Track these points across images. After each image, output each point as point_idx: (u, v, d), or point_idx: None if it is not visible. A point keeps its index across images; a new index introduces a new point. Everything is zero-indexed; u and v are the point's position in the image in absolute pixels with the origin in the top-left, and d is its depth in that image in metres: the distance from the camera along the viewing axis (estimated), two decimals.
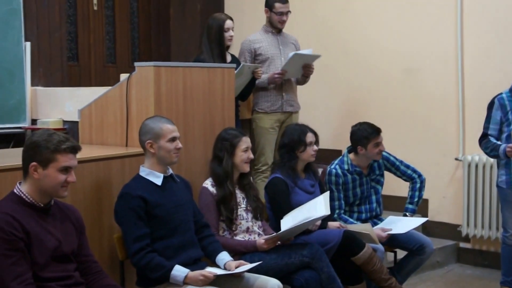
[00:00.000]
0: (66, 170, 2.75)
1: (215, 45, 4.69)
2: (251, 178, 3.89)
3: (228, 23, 4.76)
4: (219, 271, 3.27)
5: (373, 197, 4.37)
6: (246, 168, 3.75)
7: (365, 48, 5.88)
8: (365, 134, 4.20)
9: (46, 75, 5.67)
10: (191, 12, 6.82)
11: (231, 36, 4.79)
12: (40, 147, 2.73)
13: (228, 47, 4.84)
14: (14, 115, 5.36)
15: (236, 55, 5.07)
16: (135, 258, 3.16)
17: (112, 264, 3.41)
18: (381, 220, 4.33)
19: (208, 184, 3.68)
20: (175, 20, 6.81)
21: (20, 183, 2.78)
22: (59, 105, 5.25)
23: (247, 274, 3.34)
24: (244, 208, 3.73)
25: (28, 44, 5.47)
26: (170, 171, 3.41)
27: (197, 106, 4.03)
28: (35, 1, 5.59)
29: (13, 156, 3.78)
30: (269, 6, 5.08)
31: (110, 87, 4.07)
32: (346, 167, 4.27)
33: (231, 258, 3.39)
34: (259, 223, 3.79)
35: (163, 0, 6.83)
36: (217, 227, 3.63)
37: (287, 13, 5.08)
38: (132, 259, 3.18)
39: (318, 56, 4.98)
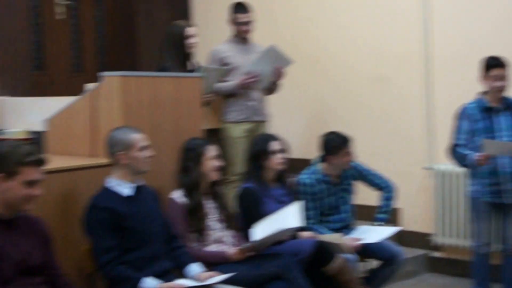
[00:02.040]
0: (30, 183, 2.69)
1: (176, 52, 4.69)
2: (223, 187, 3.86)
3: (189, 30, 4.75)
4: (189, 283, 3.22)
5: (344, 207, 4.37)
6: (215, 176, 3.73)
7: (332, 56, 5.90)
8: (335, 144, 4.20)
9: (11, 85, 5.56)
10: (158, 21, 6.78)
11: (194, 43, 4.77)
12: (5, 158, 2.67)
13: (190, 54, 4.82)
14: None
15: (202, 63, 5.05)
16: (103, 270, 3.12)
17: (80, 277, 3.33)
18: (353, 229, 4.33)
19: (175, 195, 3.65)
20: (141, 29, 6.77)
21: None
22: (25, 115, 5.16)
23: (218, 286, 3.30)
24: (215, 218, 3.70)
25: None
26: (140, 181, 3.37)
27: (165, 116, 3.99)
28: (1, 11, 5.50)
29: None
30: (231, 17, 5.10)
31: (77, 97, 4.01)
32: (316, 176, 4.26)
33: (202, 270, 3.36)
34: (231, 233, 3.76)
35: (129, 9, 6.78)
36: (187, 238, 3.59)
37: (248, 22, 5.08)
38: (101, 271, 3.13)
39: (291, 61, 4.98)
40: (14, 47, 5.66)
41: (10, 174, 2.66)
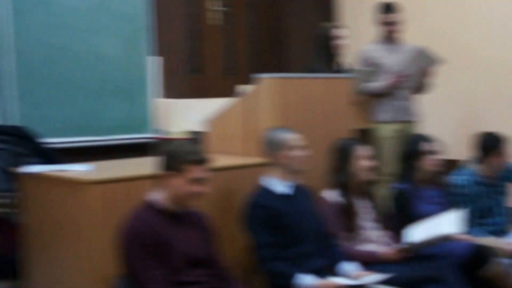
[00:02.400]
0: (196, 181, 2.83)
1: (323, 53, 4.74)
2: (374, 187, 3.86)
3: (335, 31, 4.79)
4: (343, 281, 3.25)
5: (499, 210, 4.21)
6: (367, 176, 3.73)
7: (484, 53, 5.69)
8: (491, 144, 4.07)
9: (173, 88, 5.89)
10: (306, 23, 6.86)
11: (341, 44, 4.80)
12: (173, 156, 2.83)
13: (336, 55, 4.85)
14: (140, 126, 5.64)
15: (351, 63, 5.07)
16: (262, 265, 3.23)
17: (239, 271, 3.46)
18: (508, 233, 4.16)
19: (327, 194, 3.69)
20: (290, 32, 6.88)
21: (153, 190, 2.90)
22: (184, 116, 5.43)
23: (373, 285, 3.30)
24: (367, 218, 3.71)
25: (154, 58, 5.74)
26: (297, 180, 3.45)
27: (316, 116, 4.06)
28: (161, 18, 5.85)
29: (144, 165, 3.96)
30: (378, 17, 5.06)
31: (233, 99, 4.17)
32: (472, 178, 4.14)
33: (356, 268, 3.37)
34: (383, 233, 3.75)
35: (279, 13, 6.92)
36: (340, 237, 3.62)
37: (396, 23, 5.01)
38: (260, 266, 3.24)
39: (441, 61, 4.87)
40: (175, 53, 6.00)
41: (178, 171, 2.82)
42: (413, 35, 5.29)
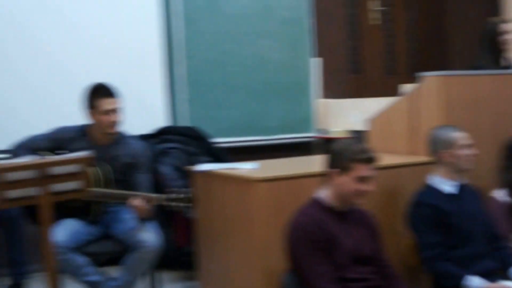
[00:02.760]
0: (362, 179, 2.84)
1: (490, 49, 4.55)
2: None
3: (504, 26, 4.58)
4: None
5: None
6: None
7: None
8: None
9: (333, 88, 5.96)
10: (469, 19, 6.63)
11: (509, 39, 4.58)
12: (340, 155, 2.87)
13: (504, 51, 4.63)
14: (302, 126, 5.75)
15: None
16: (427, 265, 3.17)
17: (403, 270, 3.43)
18: None
19: (497, 193, 3.55)
20: (452, 29, 6.69)
21: (320, 188, 2.95)
22: (344, 116, 5.47)
23: None
24: None
25: (316, 60, 5.83)
26: (463, 179, 3.36)
27: (484, 114, 3.91)
28: (321, 20, 5.94)
29: (309, 163, 4.04)
30: None
31: (396, 97, 4.13)
32: None
33: None
34: None
35: (439, 10, 6.75)
36: (509, 238, 3.48)
37: None
38: (424, 266, 3.19)
39: None
40: (335, 53, 6.06)
41: (345, 169, 2.85)
42: None
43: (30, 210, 3.63)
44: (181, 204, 3.45)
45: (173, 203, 3.44)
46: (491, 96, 3.95)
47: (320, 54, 5.92)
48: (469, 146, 3.32)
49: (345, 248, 2.83)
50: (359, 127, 4.72)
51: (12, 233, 3.75)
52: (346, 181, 2.84)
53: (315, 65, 5.83)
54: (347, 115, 5.44)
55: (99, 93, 3.63)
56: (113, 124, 3.63)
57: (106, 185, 3.55)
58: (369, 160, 2.86)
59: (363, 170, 2.83)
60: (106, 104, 3.60)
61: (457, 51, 6.68)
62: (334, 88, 5.98)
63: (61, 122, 3.79)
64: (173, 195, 3.44)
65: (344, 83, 6.14)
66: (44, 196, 2.74)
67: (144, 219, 3.54)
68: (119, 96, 3.68)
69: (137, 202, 3.44)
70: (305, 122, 5.79)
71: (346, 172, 2.84)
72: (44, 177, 2.72)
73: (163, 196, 3.47)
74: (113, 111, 3.62)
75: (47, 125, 3.76)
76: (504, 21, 4.71)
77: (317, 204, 2.90)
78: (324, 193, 2.91)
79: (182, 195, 3.45)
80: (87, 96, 3.65)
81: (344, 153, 2.86)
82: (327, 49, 5.97)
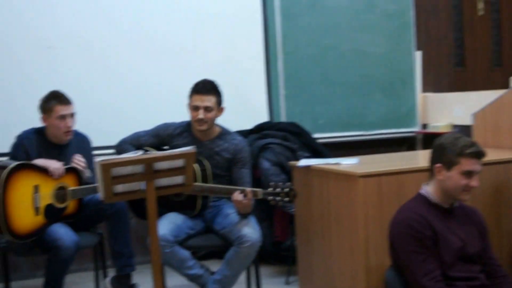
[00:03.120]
0: (469, 174, 2.74)
1: None
2: None
3: None
4: None
5: None
6: None
7: None
8: None
9: (435, 81, 5.80)
10: None
11: None
12: (445, 149, 2.78)
13: None
14: (406, 120, 5.65)
15: None
16: None
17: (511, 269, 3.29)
18: None
19: None
20: None
21: (425, 184, 2.86)
22: (447, 110, 5.31)
23: None
24: None
25: (418, 53, 5.71)
26: None
27: None
28: (425, 12, 5.80)
29: (412, 159, 3.94)
30: None
31: (504, 91, 3.96)
32: None
33: None
34: None
35: None
36: None
37: None
38: None
39: None
40: (438, 45, 5.91)
41: (450, 164, 2.75)
42: None
43: (135, 204, 3.75)
44: (284, 199, 3.43)
45: (276, 198, 3.44)
46: None
47: (422, 47, 5.77)
48: None
49: (451, 245, 2.74)
50: (463, 121, 4.56)
51: (118, 226, 3.86)
52: (452, 176, 2.76)
53: (417, 59, 5.69)
54: (450, 109, 5.28)
55: None
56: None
57: (207, 181, 3.59)
58: (477, 154, 2.75)
59: (469, 164, 2.73)
60: None
61: None
62: (437, 82, 5.82)
63: (163, 119, 3.88)
64: (277, 189, 3.44)
65: (447, 76, 5.97)
66: (149, 190, 2.79)
67: (245, 214, 3.55)
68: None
69: (239, 196, 3.46)
70: (407, 117, 5.66)
71: (452, 167, 2.75)
72: (149, 172, 2.78)
73: (266, 190, 3.47)
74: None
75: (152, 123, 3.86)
76: None
77: (423, 200, 2.83)
78: (429, 189, 2.83)
79: (285, 189, 3.44)
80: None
81: (450, 147, 2.77)
82: (429, 41, 5.84)
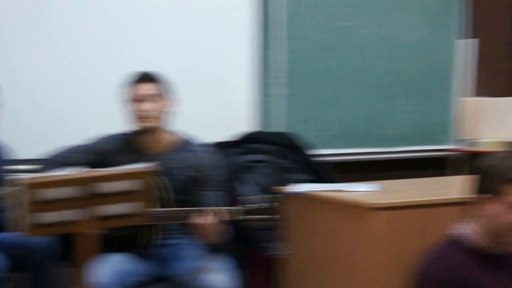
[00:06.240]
0: None
1: None
2: None
3: None
4: None
5: None
6: None
7: None
8: None
9: (484, 82, 5.82)
10: None
11: None
12: (492, 175, 2.78)
13: None
14: (440, 134, 5.72)
15: None
16: None
17: None
18: None
19: None
20: None
21: (461, 221, 2.89)
22: (499, 120, 5.36)
23: None
24: None
25: (464, 42, 5.75)
26: None
27: None
28: None
29: (446, 186, 3.98)
30: None
31: None
32: None
33: None
34: None
35: None
36: None
37: None
38: None
39: None
40: (492, 35, 5.93)
41: (497, 194, 2.76)
42: None
43: (66, 242, 3.74)
44: (261, 216, 3.46)
45: (251, 216, 3.46)
46: None
47: (472, 36, 5.80)
48: None
49: None
50: None
51: (39, 276, 3.85)
52: (498, 210, 2.77)
53: (463, 50, 5.71)
54: (503, 120, 5.30)
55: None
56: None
57: (163, 205, 3.59)
58: None
59: None
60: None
61: None
62: (489, 82, 5.82)
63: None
64: (253, 206, 3.46)
65: (502, 74, 5.98)
66: (88, 221, 2.80)
67: (213, 246, 3.58)
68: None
69: (201, 219, 3.47)
70: (441, 129, 5.70)
71: (496, 198, 2.77)
72: (89, 196, 2.79)
73: (237, 209, 3.48)
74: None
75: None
76: None
77: (457, 243, 2.84)
78: (468, 228, 2.85)
79: (261, 205, 3.47)
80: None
81: (497, 171, 2.78)
82: (481, 29, 5.85)
